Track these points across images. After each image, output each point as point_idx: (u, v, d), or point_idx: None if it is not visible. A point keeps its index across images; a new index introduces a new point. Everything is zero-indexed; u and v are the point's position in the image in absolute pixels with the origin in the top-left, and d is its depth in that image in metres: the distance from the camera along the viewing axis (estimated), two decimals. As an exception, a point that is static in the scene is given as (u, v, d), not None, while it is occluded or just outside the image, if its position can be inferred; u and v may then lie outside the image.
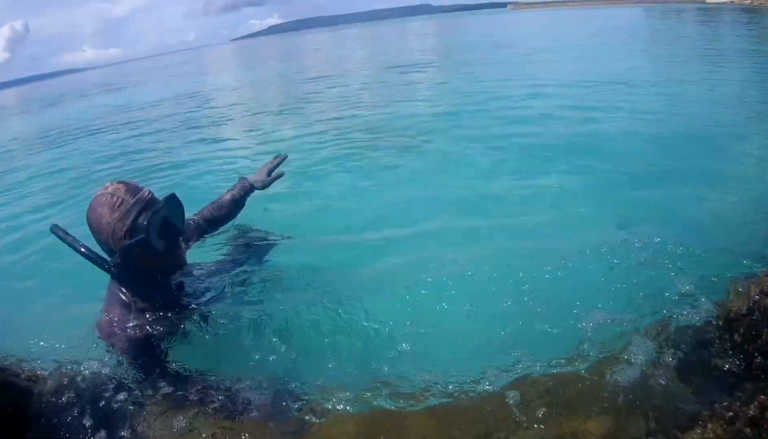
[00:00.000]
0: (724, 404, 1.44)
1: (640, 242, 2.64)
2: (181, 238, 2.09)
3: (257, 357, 2.02)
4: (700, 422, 1.41)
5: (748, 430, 1.34)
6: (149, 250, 1.88)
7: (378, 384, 1.89)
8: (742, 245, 2.57)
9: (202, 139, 7.84)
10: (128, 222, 1.87)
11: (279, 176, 2.76)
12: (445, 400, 1.79)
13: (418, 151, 5.51)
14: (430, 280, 2.52)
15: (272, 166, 2.75)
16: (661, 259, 2.46)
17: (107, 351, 1.92)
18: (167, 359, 1.97)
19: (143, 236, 1.85)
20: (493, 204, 3.76)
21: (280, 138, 7.16)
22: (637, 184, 3.81)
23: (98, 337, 1.96)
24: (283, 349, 2.06)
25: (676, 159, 4.30)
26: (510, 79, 9.69)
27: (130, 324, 1.95)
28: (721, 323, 1.74)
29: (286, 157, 2.80)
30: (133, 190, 1.91)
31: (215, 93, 15.54)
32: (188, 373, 1.93)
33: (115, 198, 1.87)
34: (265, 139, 7.39)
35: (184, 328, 2.05)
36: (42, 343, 2.19)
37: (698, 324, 1.81)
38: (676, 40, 16.49)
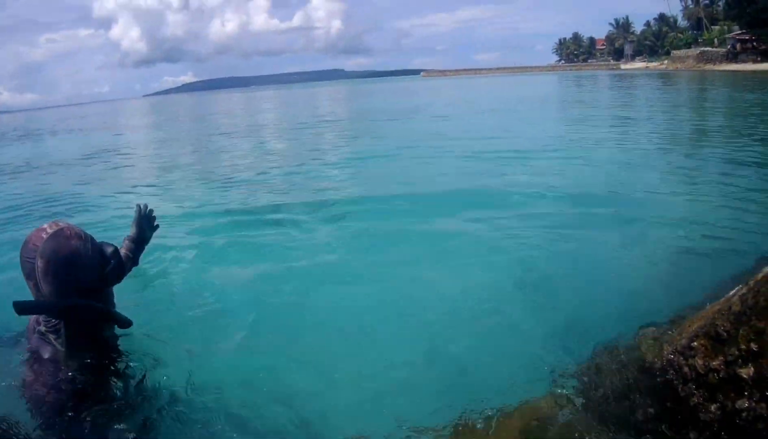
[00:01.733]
0: None
1: (551, 297, 2.92)
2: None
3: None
4: None
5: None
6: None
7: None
8: (649, 300, 2.77)
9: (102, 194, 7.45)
10: (107, 250, 1.91)
11: (153, 226, 2.71)
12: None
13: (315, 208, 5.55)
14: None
15: (138, 217, 2.66)
16: (573, 310, 2.70)
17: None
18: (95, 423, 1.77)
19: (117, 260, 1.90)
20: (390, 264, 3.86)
21: (184, 196, 7.03)
22: (548, 244, 4.00)
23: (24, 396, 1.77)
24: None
25: (583, 219, 4.61)
26: (411, 146, 10.20)
27: (58, 381, 1.76)
28: (636, 377, 1.80)
29: (146, 206, 2.71)
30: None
31: (125, 148, 15.17)
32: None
33: (76, 230, 1.84)
34: (166, 194, 7.26)
35: (114, 388, 1.92)
36: None
37: (615, 374, 1.88)
38: (588, 104, 18.51)
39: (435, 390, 2.26)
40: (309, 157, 9.93)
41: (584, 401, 1.84)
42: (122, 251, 2.49)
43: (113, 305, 2.05)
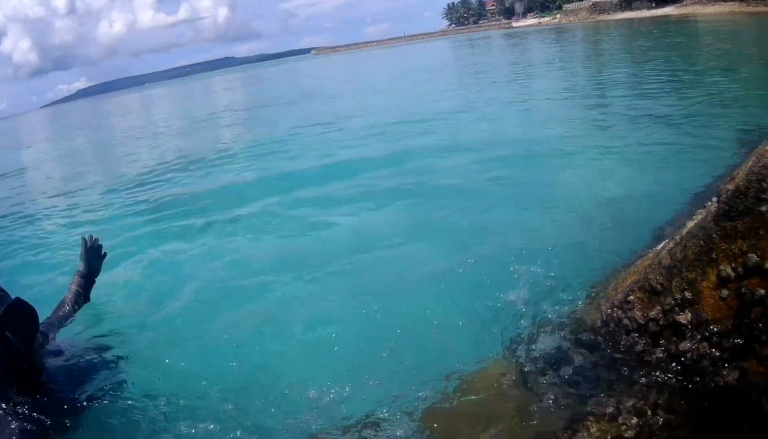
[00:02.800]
0: (600, 403, 1.59)
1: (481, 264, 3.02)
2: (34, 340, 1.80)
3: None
4: (582, 424, 1.55)
5: (634, 420, 1.50)
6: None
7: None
8: (577, 256, 2.91)
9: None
10: None
11: (101, 256, 2.64)
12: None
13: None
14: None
15: (84, 250, 2.59)
16: (504, 275, 2.76)
17: None
18: None
19: None
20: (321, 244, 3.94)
21: (93, 208, 6.59)
22: (471, 211, 4.12)
23: None
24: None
25: (501, 181, 4.75)
26: (316, 125, 10.15)
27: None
28: (579, 334, 1.93)
29: (92, 237, 2.64)
30: None
31: (30, 165, 13.81)
32: None
33: None
34: (83, 209, 6.67)
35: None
36: None
37: (557, 334, 2.02)
38: (484, 66, 18.70)
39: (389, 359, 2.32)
40: (209, 150, 9.63)
41: (532, 363, 1.94)
42: (72, 287, 2.41)
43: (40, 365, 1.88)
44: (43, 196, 8.37)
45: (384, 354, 2.35)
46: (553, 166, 5.07)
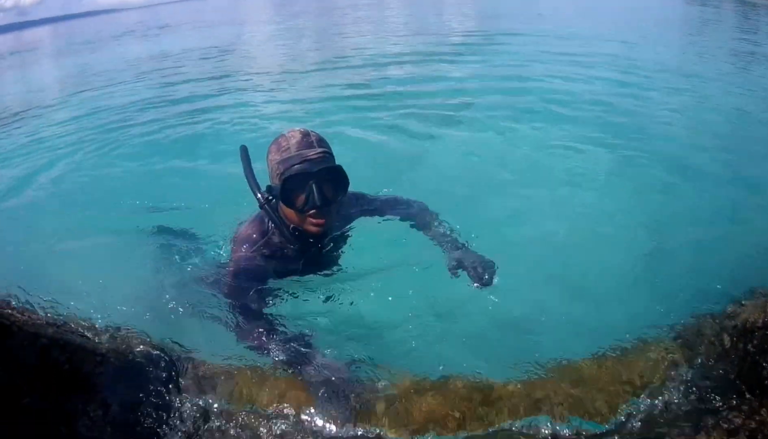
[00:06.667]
0: (729, 415, 1.52)
1: (659, 244, 2.73)
2: (334, 206, 2.14)
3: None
4: (703, 431, 1.50)
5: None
6: (290, 203, 2.07)
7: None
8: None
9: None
10: (282, 168, 2.06)
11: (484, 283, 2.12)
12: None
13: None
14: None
15: (480, 271, 2.12)
16: (679, 261, 2.52)
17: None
18: (269, 299, 2.18)
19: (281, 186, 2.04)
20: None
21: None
22: (661, 182, 3.68)
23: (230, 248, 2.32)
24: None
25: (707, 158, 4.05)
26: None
27: (257, 248, 2.21)
28: (735, 332, 1.77)
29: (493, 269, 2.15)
30: (305, 143, 2.08)
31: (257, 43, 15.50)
32: (279, 323, 2.05)
33: (285, 143, 2.10)
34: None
35: (300, 280, 2.30)
36: (94, 301, 2.28)
37: (712, 330, 1.85)
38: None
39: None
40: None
41: (671, 360, 1.80)
42: (438, 237, 2.40)
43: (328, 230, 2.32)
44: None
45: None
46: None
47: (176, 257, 2.70)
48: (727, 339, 1.78)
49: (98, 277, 2.60)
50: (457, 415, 1.63)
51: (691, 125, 4.94)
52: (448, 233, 2.37)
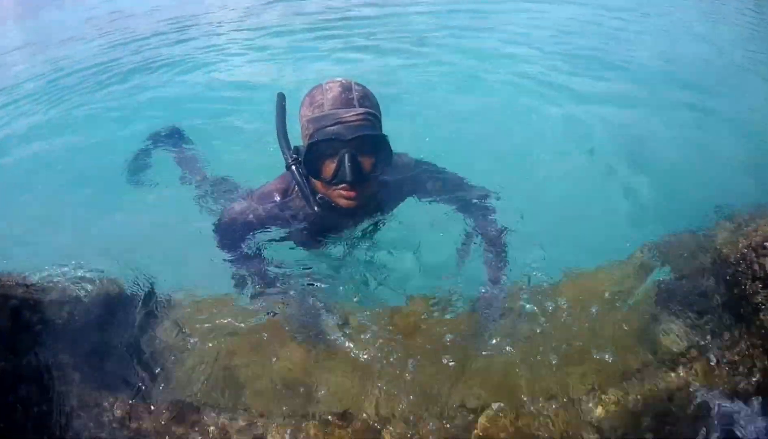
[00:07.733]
0: (709, 345, 1.56)
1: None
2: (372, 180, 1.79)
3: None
4: (683, 360, 1.54)
5: (726, 370, 1.50)
6: (315, 173, 1.75)
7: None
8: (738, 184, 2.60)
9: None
10: (312, 129, 1.73)
11: None
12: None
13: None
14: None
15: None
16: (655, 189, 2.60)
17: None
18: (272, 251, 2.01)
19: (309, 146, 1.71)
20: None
21: None
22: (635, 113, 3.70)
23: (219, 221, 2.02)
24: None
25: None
26: None
27: (271, 207, 1.93)
28: (711, 267, 1.80)
29: None
30: (343, 100, 1.70)
31: None
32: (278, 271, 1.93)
33: (320, 97, 1.73)
34: None
35: (312, 246, 2.03)
36: (44, 255, 2.16)
37: (690, 264, 1.88)
38: None
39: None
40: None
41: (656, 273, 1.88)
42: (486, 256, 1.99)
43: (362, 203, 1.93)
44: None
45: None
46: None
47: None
48: (707, 260, 1.84)
49: (75, 224, 2.57)
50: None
51: (663, 55, 4.92)
52: (501, 265, 1.97)
